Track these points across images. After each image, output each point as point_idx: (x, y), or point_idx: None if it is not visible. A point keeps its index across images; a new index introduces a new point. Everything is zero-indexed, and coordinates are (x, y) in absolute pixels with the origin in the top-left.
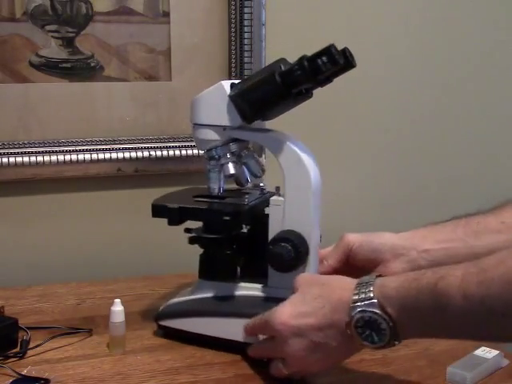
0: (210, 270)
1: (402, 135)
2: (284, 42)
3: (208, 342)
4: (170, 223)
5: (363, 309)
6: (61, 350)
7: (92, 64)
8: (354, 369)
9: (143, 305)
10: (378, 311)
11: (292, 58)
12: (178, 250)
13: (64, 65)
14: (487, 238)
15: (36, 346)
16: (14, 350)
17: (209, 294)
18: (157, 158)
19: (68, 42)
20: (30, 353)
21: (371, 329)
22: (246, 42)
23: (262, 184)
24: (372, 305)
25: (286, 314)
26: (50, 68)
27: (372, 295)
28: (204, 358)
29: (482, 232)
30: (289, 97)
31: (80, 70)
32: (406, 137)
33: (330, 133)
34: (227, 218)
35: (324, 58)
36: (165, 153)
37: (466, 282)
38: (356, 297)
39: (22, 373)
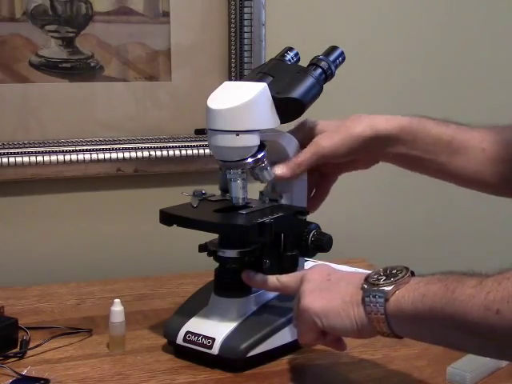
0: (235, 287)
1: None
2: (284, 42)
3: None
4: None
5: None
6: (61, 350)
7: (92, 64)
8: (354, 369)
9: (143, 305)
10: (412, 271)
11: None
12: (178, 250)
13: (64, 65)
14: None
15: (36, 346)
16: (14, 350)
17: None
18: (157, 158)
19: (68, 42)
20: (29, 353)
21: (387, 274)
22: (245, 41)
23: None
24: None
25: (322, 266)
26: (50, 68)
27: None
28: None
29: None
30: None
31: (80, 69)
32: None
33: None
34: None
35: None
36: (165, 153)
37: (485, 280)
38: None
39: (22, 373)
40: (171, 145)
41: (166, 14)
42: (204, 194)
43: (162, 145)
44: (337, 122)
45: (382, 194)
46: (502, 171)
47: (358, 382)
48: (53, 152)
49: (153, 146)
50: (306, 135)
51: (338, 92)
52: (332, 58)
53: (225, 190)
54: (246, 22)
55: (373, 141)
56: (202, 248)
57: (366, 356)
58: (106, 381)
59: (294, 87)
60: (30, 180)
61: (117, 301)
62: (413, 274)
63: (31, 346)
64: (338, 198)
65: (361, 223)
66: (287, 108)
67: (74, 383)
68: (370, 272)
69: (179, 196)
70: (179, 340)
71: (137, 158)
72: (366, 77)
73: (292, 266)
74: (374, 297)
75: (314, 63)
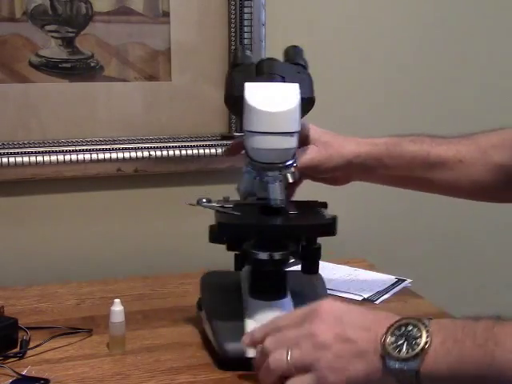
0: (273, 289)
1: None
2: (284, 42)
3: None
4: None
5: (414, 318)
6: (61, 350)
7: (92, 64)
8: None
9: (143, 305)
10: (426, 322)
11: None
12: (178, 249)
13: (64, 65)
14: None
15: (36, 346)
16: (14, 350)
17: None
18: (157, 158)
19: (68, 42)
20: (29, 353)
21: (406, 339)
22: (245, 41)
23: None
24: (423, 319)
25: (337, 304)
26: (50, 68)
27: (426, 318)
28: (204, 358)
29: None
30: None
31: (80, 69)
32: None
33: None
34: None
35: None
36: (165, 153)
37: None
38: (410, 316)
39: (22, 373)
40: (171, 145)
41: (166, 14)
42: (210, 200)
43: (161, 145)
44: (327, 137)
45: (382, 193)
46: (480, 179)
47: None
48: (53, 152)
49: (153, 145)
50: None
51: (338, 92)
52: (303, 56)
53: (251, 193)
54: (246, 22)
55: (354, 163)
56: (239, 253)
57: None
58: (105, 381)
59: (307, 87)
60: (30, 180)
61: (117, 301)
62: (429, 318)
63: (31, 345)
64: (338, 197)
65: (361, 223)
66: (305, 107)
67: (74, 383)
68: (383, 334)
69: (179, 196)
70: (250, 353)
71: (137, 157)
72: (365, 77)
73: (319, 257)
74: (403, 372)
75: (299, 63)
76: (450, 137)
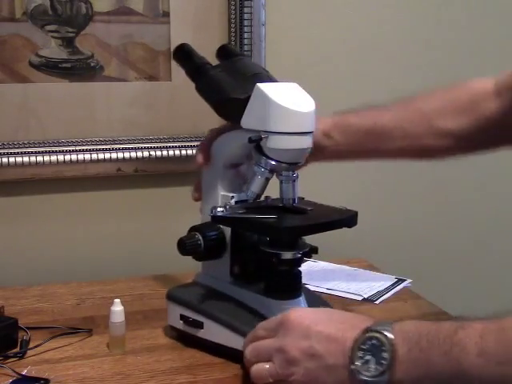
0: (288, 288)
1: None
2: (284, 42)
3: None
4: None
5: (378, 329)
6: (61, 350)
7: (92, 64)
8: None
9: (143, 305)
10: (389, 335)
11: (292, 58)
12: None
13: (64, 65)
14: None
15: (36, 346)
16: (14, 350)
17: None
18: (157, 158)
19: (68, 42)
20: (29, 353)
21: (373, 354)
22: (245, 42)
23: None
24: (386, 330)
25: (304, 313)
26: (50, 68)
27: (390, 325)
28: (204, 359)
29: None
30: None
31: (80, 70)
32: None
33: None
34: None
35: None
36: (165, 153)
37: (485, 338)
38: (375, 323)
39: (22, 373)
40: (171, 145)
41: (166, 14)
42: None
43: (162, 145)
44: None
45: (383, 194)
46: (428, 146)
47: None
48: (53, 152)
49: (153, 145)
50: None
51: (337, 92)
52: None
53: (259, 195)
54: (245, 22)
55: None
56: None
57: None
58: (106, 381)
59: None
60: (30, 180)
61: (117, 301)
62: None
63: (31, 346)
64: (338, 197)
65: (361, 223)
66: None
67: (74, 383)
68: (350, 347)
69: (179, 196)
70: None
71: (137, 157)
72: (365, 77)
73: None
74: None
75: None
76: (390, 105)
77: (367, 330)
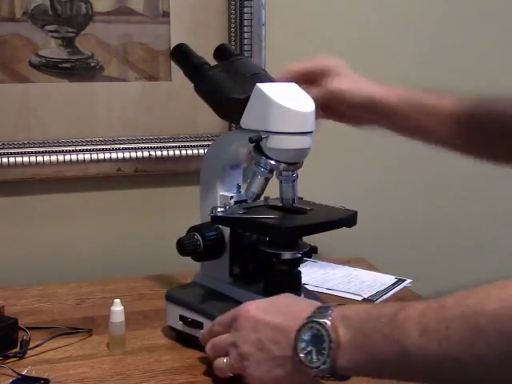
0: (288, 288)
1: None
2: (284, 42)
3: None
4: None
5: (316, 320)
6: (61, 350)
7: (92, 64)
8: None
9: (143, 305)
10: (327, 323)
11: (292, 58)
12: None
13: (64, 65)
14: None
15: (36, 346)
16: (14, 350)
17: None
18: (157, 158)
19: (68, 42)
20: (29, 353)
21: (313, 344)
22: (245, 42)
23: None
24: (324, 317)
25: (253, 305)
26: (50, 68)
27: (330, 312)
28: (204, 359)
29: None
30: None
31: (80, 69)
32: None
33: (330, 132)
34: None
35: None
36: (165, 153)
37: (426, 317)
38: (315, 312)
39: (22, 373)
40: (171, 145)
41: (166, 14)
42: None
43: (162, 145)
44: (353, 74)
45: (383, 194)
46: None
47: (359, 381)
48: (53, 152)
49: (153, 145)
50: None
51: None
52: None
53: (259, 195)
54: (245, 22)
55: (378, 103)
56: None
57: None
58: (105, 381)
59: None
60: (30, 180)
61: (117, 301)
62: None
63: (31, 346)
64: (338, 197)
65: (361, 223)
66: None
67: (74, 383)
68: (292, 339)
69: (179, 196)
70: None
71: (137, 157)
72: (365, 76)
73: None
74: (320, 372)
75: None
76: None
77: (308, 319)
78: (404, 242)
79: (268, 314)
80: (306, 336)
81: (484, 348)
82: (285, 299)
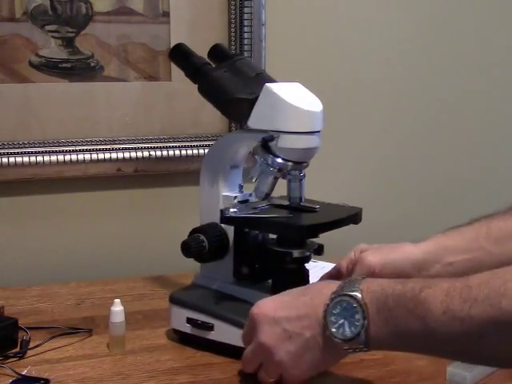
0: (297, 287)
1: (401, 135)
2: (284, 42)
3: None
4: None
5: (345, 292)
6: (61, 350)
7: (92, 64)
8: (354, 369)
9: (143, 305)
10: (358, 296)
11: (292, 58)
12: (178, 249)
13: (64, 65)
14: (510, 244)
15: (36, 346)
16: (14, 350)
17: None
18: (157, 158)
19: (68, 42)
20: (29, 353)
21: (345, 317)
22: (245, 42)
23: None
24: (354, 290)
25: (266, 304)
26: (50, 68)
27: (356, 286)
28: (204, 359)
29: (504, 239)
30: None
31: (80, 70)
32: (405, 137)
33: (330, 133)
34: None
35: None
36: (165, 153)
37: (450, 296)
38: (342, 285)
39: (22, 373)
40: (171, 145)
41: (166, 14)
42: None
43: (162, 145)
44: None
45: (383, 194)
46: None
47: (358, 381)
48: (53, 152)
49: (153, 145)
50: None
51: (338, 91)
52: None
53: (268, 194)
54: (246, 22)
55: (411, 263)
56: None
57: (366, 356)
58: (105, 381)
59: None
60: (30, 180)
61: (117, 301)
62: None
63: (31, 346)
64: (338, 197)
65: (361, 223)
66: None
67: (74, 383)
68: (322, 317)
69: (179, 196)
70: None
71: (137, 158)
72: (365, 76)
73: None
74: (352, 345)
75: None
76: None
77: (335, 294)
78: (404, 241)
79: (285, 307)
80: (336, 310)
81: (506, 329)
82: (292, 292)
